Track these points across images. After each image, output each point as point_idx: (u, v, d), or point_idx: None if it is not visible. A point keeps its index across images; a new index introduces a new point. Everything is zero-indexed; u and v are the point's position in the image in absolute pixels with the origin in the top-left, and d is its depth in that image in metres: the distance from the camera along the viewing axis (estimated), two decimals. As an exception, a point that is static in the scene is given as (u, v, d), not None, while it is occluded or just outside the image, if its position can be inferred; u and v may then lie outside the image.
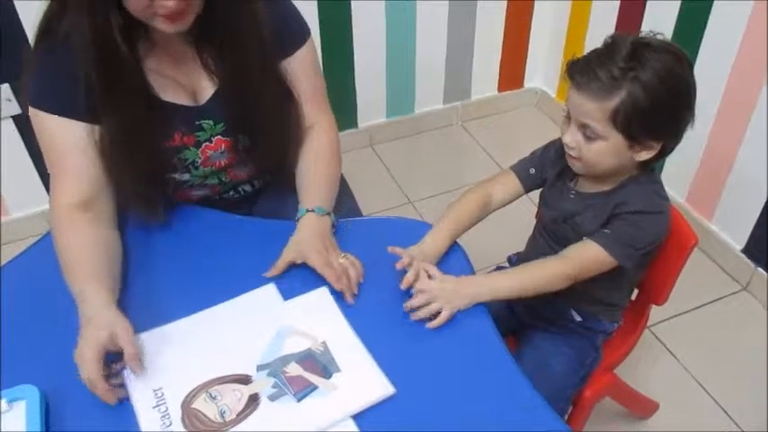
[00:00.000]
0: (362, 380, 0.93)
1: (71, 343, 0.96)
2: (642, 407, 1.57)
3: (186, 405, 0.90)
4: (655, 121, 1.01)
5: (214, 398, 0.90)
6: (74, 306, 1.02)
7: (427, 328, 1.00)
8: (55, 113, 1.03)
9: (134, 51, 1.01)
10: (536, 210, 1.29)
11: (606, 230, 1.06)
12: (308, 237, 1.07)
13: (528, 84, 2.69)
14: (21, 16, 1.77)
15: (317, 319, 1.01)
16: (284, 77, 1.15)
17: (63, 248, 1.04)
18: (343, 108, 2.38)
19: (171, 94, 1.09)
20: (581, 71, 1.01)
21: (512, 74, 2.63)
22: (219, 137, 1.15)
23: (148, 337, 0.97)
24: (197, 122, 1.12)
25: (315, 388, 0.91)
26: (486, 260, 1.69)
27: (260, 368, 0.94)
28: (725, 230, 1.97)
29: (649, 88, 0.97)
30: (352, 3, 2.17)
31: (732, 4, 1.75)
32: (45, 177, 2.06)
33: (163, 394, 0.91)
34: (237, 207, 1.26)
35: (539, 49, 2.58)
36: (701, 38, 1.86)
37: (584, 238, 1.08)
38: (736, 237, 1.94)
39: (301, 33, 1.18)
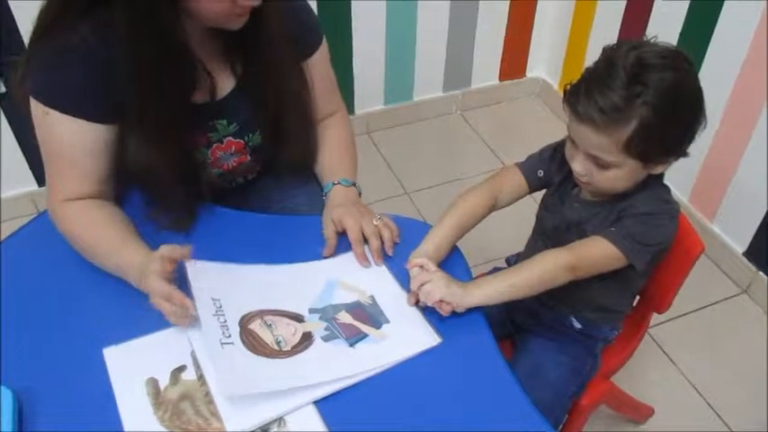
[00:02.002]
0: (411, 331, 0.96)
1: (44, 343, 0.94)
2: (637, 412, 1.54)
3: (243, 324, 0.92)
4: (670, 140, 0.96)
5: (269, 325, 0.93)
6: (46, 305, 0.99)
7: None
8: (72, 115, 0.99)
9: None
10: (536, 207, 1.24)
11: (612, 228, 1.02)
12: (341, 204, 1.12)
13: (530, 73, 2.63)
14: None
15: (365, 274, 1.04)
16: (305, 76, 1.17)
17: (80, 232, 1.03)
18: (340, 93, 2.31)
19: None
20: (582, 102, 0.94)
21: (514, 63, 2.57)
22: (231, 138, 1.14)
23: (204, 266, 0.98)
24: (210, 122, 1.11)
25: (365, 336, 0.95)
26: (482, 256, 1.66)
27: (312, 311, 0.98)
28: (727, 232, 1.94)
29: (659, 111, 0.91)
30: (353, -16, 2.10)
31: (742, 4, 1.70)
32: (30, 159, 2.01)
33: (221, 306, 0.93)
34: (228, 198, 1.22)
35: (542, 38, 2.52)
36: (710, 39, 1.81)
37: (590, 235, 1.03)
38: (738, 239, 1.90)
39: (319, 35, 1.20)
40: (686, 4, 1.86)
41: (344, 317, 0.97)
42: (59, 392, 0.88)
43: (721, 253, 1.93)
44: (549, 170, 1.15)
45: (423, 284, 0.97)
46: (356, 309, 0.99)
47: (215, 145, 1.13)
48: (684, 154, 1.00)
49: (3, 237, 1.12)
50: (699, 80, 0.97)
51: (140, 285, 0.96)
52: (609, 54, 0.95)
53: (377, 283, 1.03)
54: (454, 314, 0.98)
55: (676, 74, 0.93)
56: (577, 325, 1.17)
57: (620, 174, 0.98)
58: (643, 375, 1.66)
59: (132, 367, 0.90)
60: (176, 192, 1.09)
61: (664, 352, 1.75)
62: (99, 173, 1.05)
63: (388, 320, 0.97)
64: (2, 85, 1.81)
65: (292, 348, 0.91)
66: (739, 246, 1.90)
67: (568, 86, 0.99)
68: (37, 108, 1.00)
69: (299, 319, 0.96)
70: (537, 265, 1.01)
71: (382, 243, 1.07)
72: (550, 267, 1.00)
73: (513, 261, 1.30)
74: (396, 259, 1.07)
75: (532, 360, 1.16)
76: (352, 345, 0.93)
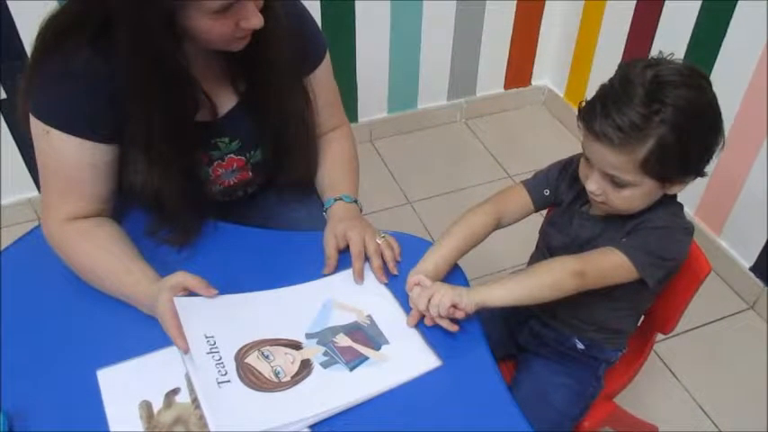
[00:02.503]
0: (411, 352, 0.94)
1: (36, 363, 0.92)
2: (641, 432, 1.51)
3: (239, 359, 0.89)
4: (688, 159, 0.95)
5: (267, 357, 0.91)
6: (39, 324, 0.98)
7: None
8: (72, 134, 0.97)
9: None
10: (540, 220, 1.22)
11: (624, 240, 1.00)
12: (344, 219, 1.10)
13: (535, 82, 2.61)
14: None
15: (361, 293, 1.02)
16: (307, 90, 1.15)
17: (80, 254, 1.01)
18: (343, 100, 2.27)
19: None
20: (599, 120, 0.92)
21: (519, 71, 2.55)
22: (232, 155, 1.13)
23: (194, 302, 0.94)
24: (212, 141, 1.10)
25: (365, 359, 0.92)
26: (482, 270, 1.63)
27: (309, 336, 0.95)
28: (734, 247, 1.91)
29: (677, 129, 0.90)
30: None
31: (755, 4, 1.66)
32: (30, 165, 2.00)
33: (215, 343, 0.90)
34: (228, 212, 1.20)
35: (548, 46, 2.49)
36: (720, 45, 1.78)
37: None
38: (745, 254, 1.87)
39: (323, 48, 1.18)
40: (697, 5, 1.83)
41: (343, 339, 0.95)
42: (51, 414, 0.86)
43: (728, 268, 1.91)
44: (558, 189, 1.13)
45: (430, 299, 0.94)
46: (354, 330, 0.96)
47: (216, 163, 1.12)
48: (702, 174, 0.98)
49: (3, 243, 1.11)
50: (716, 98, 0.95)
51: (151, 312, 0.95)
52: (625, 71, 0.93)
53: (374, 302, 1.01)
54: (454, 334, 0.96)
55: (694, 91, 0.91)
56: (580, 346, 1.15)
57: (637, 193, 0.96)
58: (647, 393, 1.64)
59: (126, 389, 0.88)
60: (179, 210, 1.07)
61: (668, 368, 1.72)
62: (100, 193, 1.03)
63: (387, 341, 0.95)
64: (2, 90, 1.80)
65: (292, 378, 0.89)
66: (746, 261, 1.88)
67: (583, 104, 0.97)
68: (37, 126, 0.98)
69: (296, 346, 0.93)
70: (544, 269, 0.99)
71: (384, 262, 1.05)
72: (558, 272, 0.97)
73: (515, 278, 1.27)
74: (394, 277, 1.05)
75: (535, 382, 1.14)
76: (351, 369, 0.91)
